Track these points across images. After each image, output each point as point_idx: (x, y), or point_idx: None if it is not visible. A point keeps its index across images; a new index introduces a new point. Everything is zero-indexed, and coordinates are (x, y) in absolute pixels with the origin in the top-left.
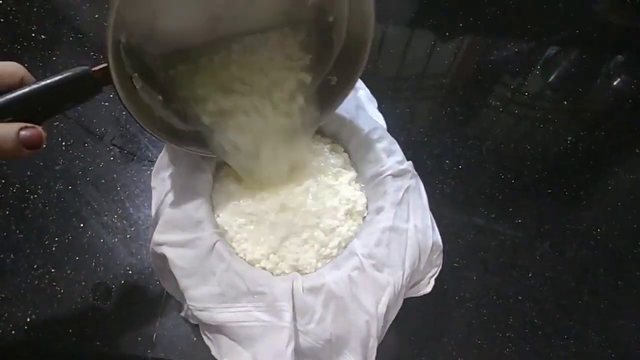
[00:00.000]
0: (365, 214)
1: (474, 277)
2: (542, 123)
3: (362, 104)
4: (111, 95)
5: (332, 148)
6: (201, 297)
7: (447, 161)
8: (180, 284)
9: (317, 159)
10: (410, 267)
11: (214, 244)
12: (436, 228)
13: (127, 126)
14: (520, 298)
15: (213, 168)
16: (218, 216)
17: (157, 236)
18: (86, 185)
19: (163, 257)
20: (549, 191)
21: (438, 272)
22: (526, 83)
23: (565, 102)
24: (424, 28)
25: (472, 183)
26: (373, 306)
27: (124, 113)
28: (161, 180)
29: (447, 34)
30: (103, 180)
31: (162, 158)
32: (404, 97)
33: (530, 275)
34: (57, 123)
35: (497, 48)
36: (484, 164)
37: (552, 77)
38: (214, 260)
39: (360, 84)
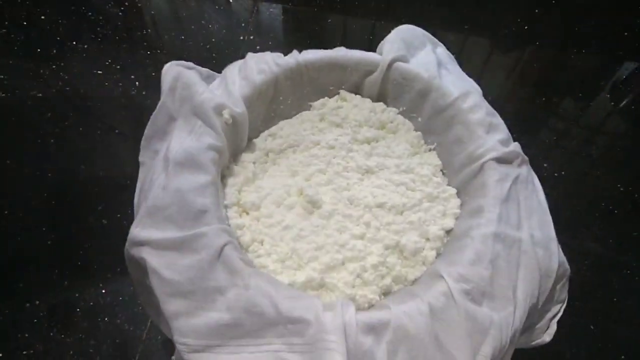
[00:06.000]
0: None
1: (591, 327)
2: None
3: (444, 63)
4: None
5: (398, 126)
6: (200, 329)
7: (545, 164)
8: (165, 309)
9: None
10: (526, 299)
11: (222, 247)
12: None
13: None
14: None
15: (229, 131)
16: (227, 208)
17: (137, 231)
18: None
19: (143, 265)
20: None
21: (562, 310)
22: None
23: None
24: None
25: (581, 195)
26: (467, 358)
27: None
28: (154, 153)
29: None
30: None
31: (156, 120)
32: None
33: None
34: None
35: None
36: (596, 171)
37: None
38: (222, 273)
39: (435, 40)
